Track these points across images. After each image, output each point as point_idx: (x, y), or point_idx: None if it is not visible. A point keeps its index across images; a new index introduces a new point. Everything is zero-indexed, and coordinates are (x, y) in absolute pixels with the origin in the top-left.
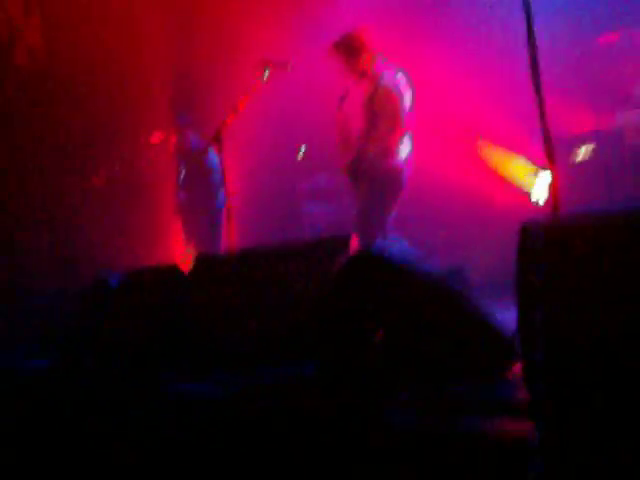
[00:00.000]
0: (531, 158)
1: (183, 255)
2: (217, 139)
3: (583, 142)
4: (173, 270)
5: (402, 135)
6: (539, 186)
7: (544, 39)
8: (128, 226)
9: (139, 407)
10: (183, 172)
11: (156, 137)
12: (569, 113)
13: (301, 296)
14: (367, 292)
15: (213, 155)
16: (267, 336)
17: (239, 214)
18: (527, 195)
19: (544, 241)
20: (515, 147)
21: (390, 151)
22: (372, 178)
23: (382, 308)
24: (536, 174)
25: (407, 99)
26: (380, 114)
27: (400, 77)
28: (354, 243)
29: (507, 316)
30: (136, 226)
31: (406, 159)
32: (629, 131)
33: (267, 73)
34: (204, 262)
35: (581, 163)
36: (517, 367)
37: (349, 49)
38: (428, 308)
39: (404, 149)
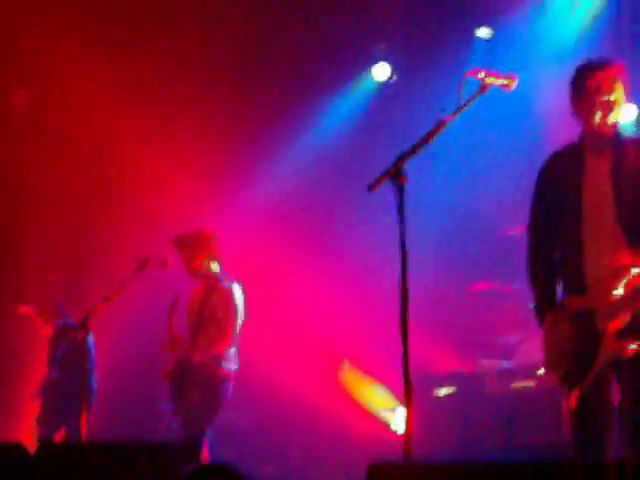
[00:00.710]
0: (393, 390)
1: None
2: (85, 325)
3: (445, 382)
4: (18, 450)
5: (231, 345)
6: (398, 418)
7: (419, 280)
8: None
9: None
10: (60, 351)
11: (24, 309)
12: (435, 352)
13: None
14: None
15: (91, 338)
16: None
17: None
18: (384, 425)
19: None
20: (378, 376)
21: (220, 359)
22: (201, 385)
23: None
24: (395, 406)
25: (242, 311)
26: (212, 320)
27: (237, 288)
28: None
29: None
30: None
31: (235, 370)
32: (489, 380)
33: (145, 268)
34: (47, 450)
35: (441, 401)
36: None
37: (188, 246)
38: None
39: (234, 359)
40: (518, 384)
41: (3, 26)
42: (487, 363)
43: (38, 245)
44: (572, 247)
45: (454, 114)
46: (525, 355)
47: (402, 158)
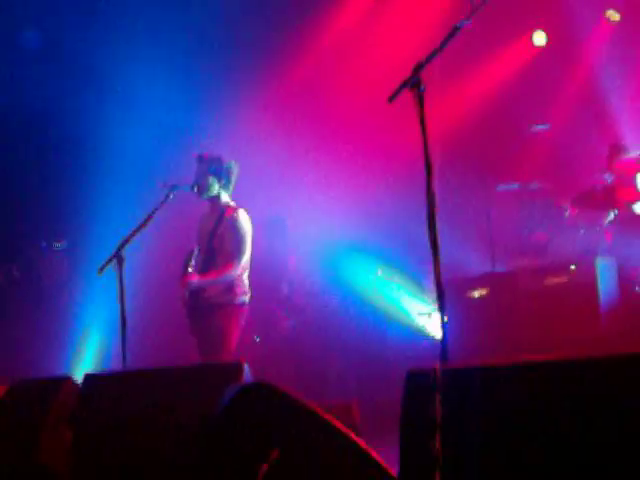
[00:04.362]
0: (427, 296)
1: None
2: (119, 256)
3: (478, 284)
4: (67, 382)
5: (241, 273)
6: (433, 324)
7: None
8: (21, 331)
9: None
10: None
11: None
12: (466, 254)
13: (190, 422)
14: (259, 421)
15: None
16: (157, 463)
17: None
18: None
19: (430, 389)
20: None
21: (233, 287)
22: (216, 314)
23: (273, 437)
24: (431, 311)
25: (249, 238)
26: (223, 248)
27: (243, 214)
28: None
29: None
30: (30, 333)
31: (248, 298)
32: (523, 278)
33: (172, 195)
34: (93, 380)
35: (475, 302)
36: None
37: (212, 167)
38: (314, 440)
39: (246, 287)
40: (551, 280)
41: None
42: (519, 262)
43: None
44: None
45: (466, 21)
46: (556, 251)
47: (419, 67)
